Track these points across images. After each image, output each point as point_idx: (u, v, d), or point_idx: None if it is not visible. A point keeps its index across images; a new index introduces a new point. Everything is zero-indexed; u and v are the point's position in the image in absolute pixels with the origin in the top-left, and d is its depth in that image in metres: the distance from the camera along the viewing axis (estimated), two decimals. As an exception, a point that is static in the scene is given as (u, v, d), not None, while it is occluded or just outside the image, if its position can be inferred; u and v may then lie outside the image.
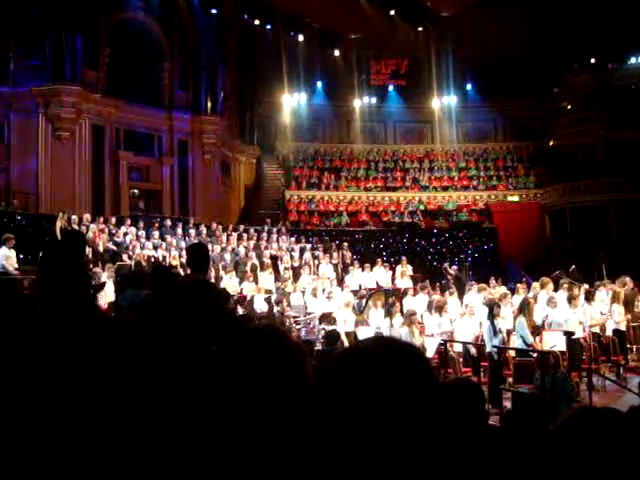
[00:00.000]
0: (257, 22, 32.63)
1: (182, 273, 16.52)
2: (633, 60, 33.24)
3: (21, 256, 15.62)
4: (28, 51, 24.71)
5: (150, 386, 2.08)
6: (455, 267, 21.60)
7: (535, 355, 10.92)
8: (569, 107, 34.19)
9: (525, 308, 11.80)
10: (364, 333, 13.56)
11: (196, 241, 19.20)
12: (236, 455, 1.46)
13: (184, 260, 18.27)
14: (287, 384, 1.49)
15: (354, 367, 1.16)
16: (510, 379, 11.16)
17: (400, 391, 1.13)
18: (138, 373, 2.11)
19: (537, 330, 12.04)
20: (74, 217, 18.64)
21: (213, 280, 15.94)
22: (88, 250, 15.80)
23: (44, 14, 24.01)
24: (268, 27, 33.03)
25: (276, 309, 15.71)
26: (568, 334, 11.45)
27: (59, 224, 18.01)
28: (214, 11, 29.58)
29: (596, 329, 13.48)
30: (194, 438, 1.63)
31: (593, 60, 33.48)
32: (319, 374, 1.22)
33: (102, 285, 12.91)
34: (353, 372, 1.15)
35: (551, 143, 34.04)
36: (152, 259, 17.96)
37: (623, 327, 14.12)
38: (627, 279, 15.28)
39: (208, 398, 1.57)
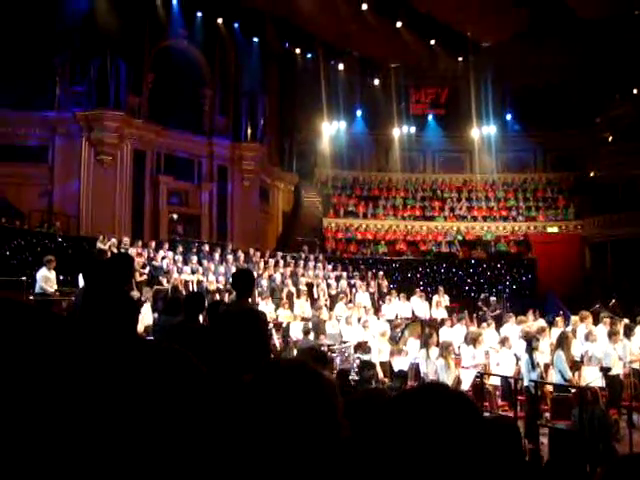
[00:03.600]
0: (298, 50, 32.98)
1: (218, 298, 16.62)
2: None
3: (60, 277, 15.82)
4: (73, 77, 25.24)
5: (186, 414, 2.07)
6: (493, 299, 21.41)
7: (573, 391, 10.72)
8: (610, 138, 33.85)
9: (563, 342, 11.61)
10: (399, 363, 13.47)
11: (233, 267, 19.34)
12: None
13: (220, 285, 18.47)
14: (317, 421, 1.47)
15: (400, 414, 1.15)
16: (547, 414, 10.97)
17: (450, 441, 1.11)
18: (174, 403, 2.11)
19: (576, 365, 11.84)
20: (113, 240, 18.87)
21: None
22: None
23: (89, 41, 24.55)
24: (309, 55, 33.35)
25: (310, 337, 15.67)
26: (605, 370, 11.25)
27: (101, 246, 18.22)
28: (255, 39, 29.96)
29: (636, 365, 13.21)
30: (222, 471, 1.62)
31: (635, 91, 33.15)
32: (370, 418, 1.21)
33: (139, 302, 13.03)
34: (398, 419, 1.14)
35: (592, 174, 33.69)
36: (189, 284, 18.07)
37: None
38: None
39: (233, 432, 1.56)
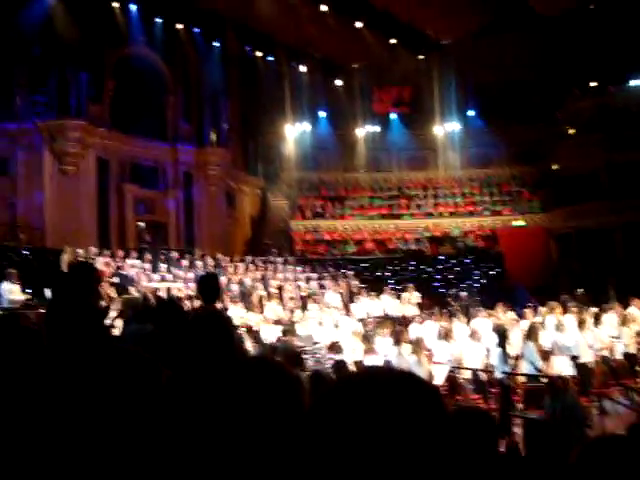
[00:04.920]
0: (259, 53, 32.91)
1: (189, 305, 16.53)
2: (633, 83, 33.34)
3: (28, 290, 15.62)
4: (33, 87, 24.96)
5: (150, 418, 2.07)
6: (463, 293, 21.55)
7: (544, 380, 10.84)
8: (571, 131, 34.25)
9: (533, 333, 11.74)
10: (372, 362, 13.50)
11: (202, 273, 19.23)
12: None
13: (191, 292, 18.36)
14: (282, 416, 1.47)
15: (354, 394, 1.15)
16: (520, 405, 11.08)
17: (403, 420, 1.11)
18: (140, 406, 2.11)
19: (546, 355, 11.97)
20: (80, 251, 18.68)
21: (220, 311, 15.87)
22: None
23: (48, 50, 24.29)
24: (270, 58, 33.30)
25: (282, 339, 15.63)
26: (574, 358, 11.40)
27: (65, 258, 18.03)
28: (216, 43, 29.87)
29: (605, 352, 13.40)
30: (191, 467, 1.61)
31: (594, 84, 33.59)
32: (316, 401, 1.20)
33: (107, 308, 12.88)
34: (352, 399, 1.13)
35: (554, 167, 34.05)
36: (158, 291, 17.93)
37: (633, 350, 14.04)
38: None
39: (203, 427, 1.55)
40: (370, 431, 1.09)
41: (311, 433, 1.16)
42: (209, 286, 6.00)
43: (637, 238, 28.24)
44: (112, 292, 16.90)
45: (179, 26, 28.59)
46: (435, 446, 1.12)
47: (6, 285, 14.65)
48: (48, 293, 13.03)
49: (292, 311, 18.18)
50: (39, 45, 24.39)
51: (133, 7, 27.01)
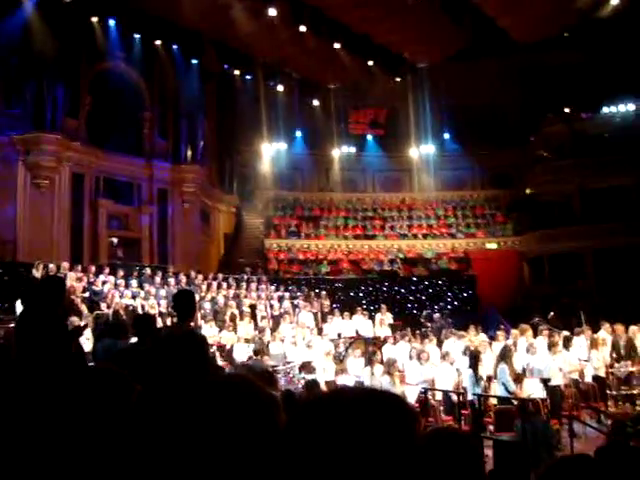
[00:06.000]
0: (237, 72, 33.00)
1: (160, 322, 16.41)
2: (606, 110, 33.87)
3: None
4: (9, 99, 24.76)
5: (120, 435, 2.04)
6: (436, 315, 21.61)
7: (515, 402, 10.89)
8: (545, 155, 34.65)
9: (506, 355, 11.79)
10: (344, 382, 13.47)
11: (174, 290, 19.12)
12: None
13: (162, 309, 18.24)
14: (257, 435, 1.46)
15: (327, 413, 1.15)
16: (491, 427, 11.10)
17: (374, 440, 1.11)
18: (108, 423, 2.08)
19: (518, 377, 12.02)
20: (52, 265, 18.50)
21: (192, 329, 15.77)
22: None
23: (25, 63, 24.16)
24: (248, 77, 33.39)
25: (254, 358, 15.56)
26: (544, 381, 11.45)
27: (36, 272, 17.85)
28: (195, 61, 29.90)
29: (575, 375, 13.50)
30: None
31: (567, 110, 34.08)
32: (291, 419, 1.20)
33: (84, 327, 12.77)
34: (325, 418, 1.13)
35: (528, 191, 34.41)
36: (130, 308, 17.79)
37: (602, 373, 14.17)
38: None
39: (178, 446, 1.54)
40: (348, 448, 1.09)
41: (287, 451, 1.15)
42: (184, 303, 5.97)
43: (608, 263, 28.56)
44: (84, 308, 16.76)
45: (157, 42, 28.58)
46: (410, 464, 1.12)
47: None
48: (19, 307, 12.88)
49: (263, 330, 18.10)
50: (16, 57, 24.24)
51: (112, 22, 26.96)
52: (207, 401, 1.52)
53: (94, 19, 26.30)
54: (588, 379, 13.91)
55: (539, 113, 34.11)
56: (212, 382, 1.68)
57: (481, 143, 35.86)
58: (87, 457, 1.98)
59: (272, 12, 26.49)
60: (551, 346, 13.21)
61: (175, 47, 29.21)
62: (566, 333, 15.45)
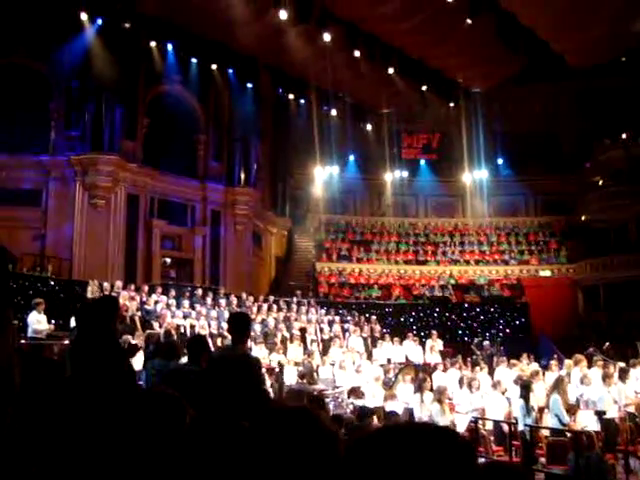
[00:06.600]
0: (291, 96, 33.30)
1: (211, 342, 16.51)
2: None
3: (52, 321, 15.71)
4: (68, 121, 25.45)
5: (174, 459, 2.05)
6: (487, 342, 21.34)
7: (569, 435, 10.63)
8: (600, 182, 34.13)
9: (559, 386, 11.54)
10: (393, 408, 13.34)
11: (225, 311, 19.26)
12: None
13: (213, 330, 18.36)
14: (318, 467, 1.45)
15: (388, 445, 1.14)
16: (543, 459, 10.85)
17: (433, 474, 1.10)
18: (162, 446, 2.09)
19: (571, 409, 11.75)
20: (106, 284, 18.80)
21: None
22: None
23: (85, 85, 24.81)
24: (302, 101, 33.66)
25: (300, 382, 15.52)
26: (599, 414, 11.17)
27: (90, 291, 18.16)
28: (250, 85, 30.24)
29: (631, 408, 13.13)
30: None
31: (624, 135, 33.52)
32: (350, 449, 1.19)
33: (137, 347, 12.95)
34: (386, 451, 1.13)
35: (583, 218, 33.90)
36: (181, 328, 17.94)
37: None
38: None
39: (234, 474, 1.54)
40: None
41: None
42: (239, 325, 5.99)
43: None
44: (138, 326, 17.01)
45: (213, 67, 29.04)
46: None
47: (34, 315, 14.80)
48: (73, 324, 13.11)
49: (312, 354, 18.07)
50: (77, 80, 24.93)
51: (170, 46, 27.53)
52: (271, 431, 1.52)
53: (152, 43, 26.87)
54: (645, 413, 13.53)
55: (595, 139, 33.64)
56: (275, 412, 1.67)
57: (535, 169, 35.51)
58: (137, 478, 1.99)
59: (327, 37, 26.65)
60: (606, 377, 12.89)
61: (230, 71, 29.61)
62: (622, 364, 15.07)
